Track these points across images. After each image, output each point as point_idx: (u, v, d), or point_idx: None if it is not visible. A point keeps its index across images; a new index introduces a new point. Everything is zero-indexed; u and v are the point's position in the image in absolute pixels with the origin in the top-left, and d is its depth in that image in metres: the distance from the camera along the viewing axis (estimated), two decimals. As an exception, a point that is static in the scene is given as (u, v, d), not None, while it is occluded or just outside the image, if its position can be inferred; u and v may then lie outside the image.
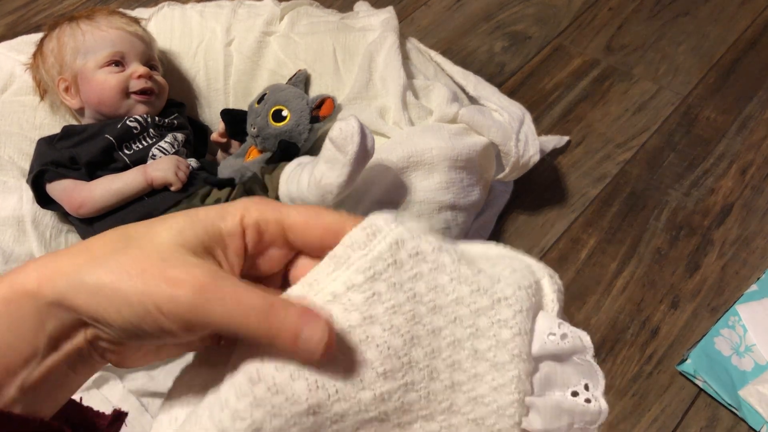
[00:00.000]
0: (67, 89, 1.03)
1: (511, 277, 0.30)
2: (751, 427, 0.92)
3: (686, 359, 0.97)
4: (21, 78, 1.10)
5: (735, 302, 1.02)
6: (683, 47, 1.40)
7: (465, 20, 1.46)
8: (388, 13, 1.18)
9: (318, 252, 0.32)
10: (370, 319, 0.29)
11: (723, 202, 1.16)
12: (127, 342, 0.30)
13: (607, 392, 0.96)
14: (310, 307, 0.29)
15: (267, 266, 0.33)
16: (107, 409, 0.98)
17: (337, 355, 0.28)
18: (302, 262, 0.33)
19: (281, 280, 0.34)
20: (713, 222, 1.14)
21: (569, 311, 1.03)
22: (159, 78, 1.05)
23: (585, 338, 0.30)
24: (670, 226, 1.13)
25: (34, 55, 1.07)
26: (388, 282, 0.29)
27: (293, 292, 0.30)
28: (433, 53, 1.21)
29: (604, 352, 1.00)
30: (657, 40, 1.42)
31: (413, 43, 1.20)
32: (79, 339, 0.29)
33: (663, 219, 1.14)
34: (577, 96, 1.32)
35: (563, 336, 0.30)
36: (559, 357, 0.30)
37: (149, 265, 0.28)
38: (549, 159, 1.20)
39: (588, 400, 0.30)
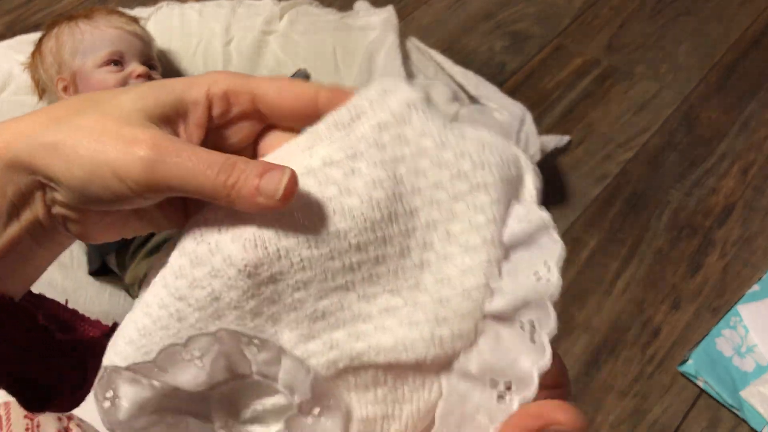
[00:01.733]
0: (65, 89, 1.02)
1: (496, 165, 0.30)
2: (752, 428, 0.92)
3: (687, 360, 0.96)
4: (19, 77, 1.10)
5: (736, 302, 1.02)
6: (684, 46, 1.40)
7: (465, 19, 1.46)
8: (388, 12, 1.17)
9: (290, 122, 0.31)
10: (347, 191, 0.29)
11: (724, 202, 1.16)
12: (82, 207, 0.29)
13: (609, 393, 0.95)
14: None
15: (235, 138, 0.32)
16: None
17: (305, 224, 0.28)
18: (273, 135, 0.32)
19: (250, 156, 0.33)
20: (715, 222, 1.13)
21: (570, 311, 1.03)
22: (158, 77, 1.04)
23: (545, 216, 0.31)
24: (671, 226, 1.13)
25: (33, 55, 1.06)
26: (368, 161, 0.29)
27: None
28: (434, 52, 1.21)
29: (605, 352, 0.99)
30: (658, 39, 1.41)
31: (413, 43, 1.20)
32: (37, 205, 0.29)
33: (664, 219, 1.14)
34: (578, 95, 1.31)
35: (529, 221, 0.31)
36: (526, 240, 0.30)
37: (106, 125, 0.28)
38: (550, 159, 1.20)
39: (545, 278, 0.30)
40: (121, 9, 1.12)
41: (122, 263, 0.92)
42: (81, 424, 0.44)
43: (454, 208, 0.30)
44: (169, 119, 0.29)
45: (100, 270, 0.94)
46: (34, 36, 1.10)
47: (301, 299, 0.29)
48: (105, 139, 0.27)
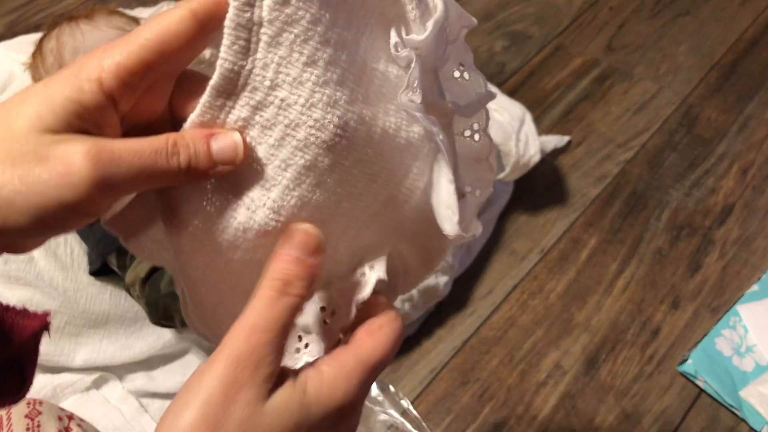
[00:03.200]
0: (66, 89, 1.02)
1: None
2: (751, 428, 0.92)
3: (687, 360, 0.96)
4: (20, 77, 1.10)
5: (736, 302, 1.02)
6: (684, 47, 1.40)
7: (465, 20, 1.46)
8: (388, 13, 1.17)
9: (192, 55, 0.30)
10: (293, 125, 0.30)
11: (724, 202, 1.16)
12: (22, 237, 0.28)
13: (609, 393, 0.95)
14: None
15: (150, 109, 0.30)
16: (107, 411, 0.96)
17: (272, 171, 0.30)
18: (185, 93, 0.30)
19: (169, 120, 0.31)
20: (714, 222, 1.13)
21: (570, 311, 1.03)
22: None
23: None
24: (670, 226, 1.13)
25: (34, 55, 1.06)
26: (286, 84, 0.30)
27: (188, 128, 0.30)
28: (434, 53, 1.21)
29: (604, 352, 0.99)
30: (658, 39, 1.41)
31: (413, 43, 1.20)
32: None
33: (664, 219, 1.14)
34: (578, 96, 1.32)
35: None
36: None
37: (22, 163, 0.25)
38: (549, 159, 1.20)
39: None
40: (121, 9, 1.12)
41: (122, 263, 0.92)
42: (81, 423, 0.44)
43: (380, 63, 0.33)
44: (77, 128, 0.27)
45: (100, 270, 0.94)
46: (35, 36, 1.10)
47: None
48: (34, 176, 0.25)
